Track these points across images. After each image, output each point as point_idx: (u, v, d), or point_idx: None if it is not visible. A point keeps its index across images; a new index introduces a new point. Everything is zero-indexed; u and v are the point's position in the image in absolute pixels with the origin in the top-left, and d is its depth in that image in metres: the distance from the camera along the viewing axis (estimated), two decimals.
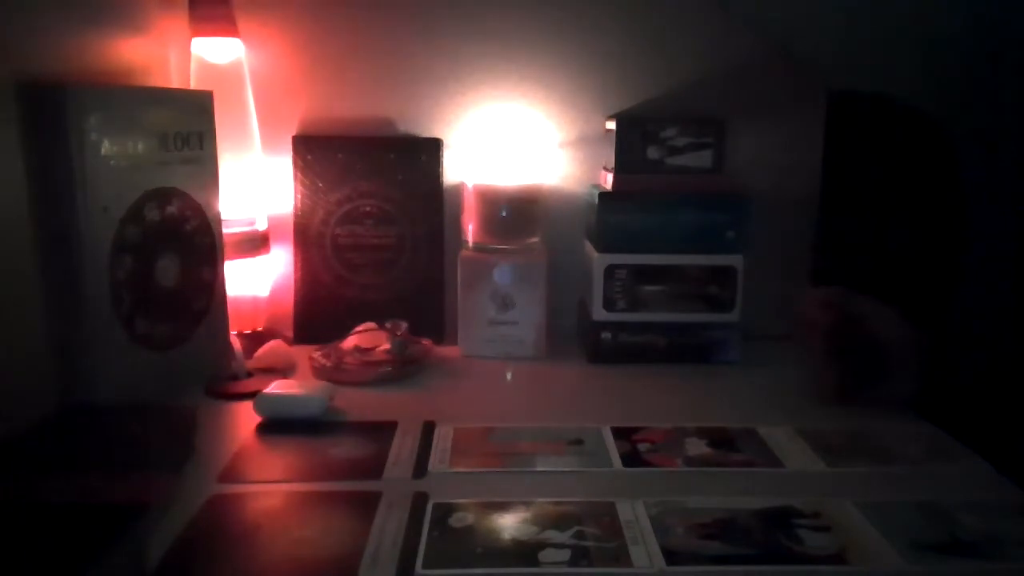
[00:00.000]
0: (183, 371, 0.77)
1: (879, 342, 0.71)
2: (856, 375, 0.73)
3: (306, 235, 0.93)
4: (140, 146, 0.72)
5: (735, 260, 0.86)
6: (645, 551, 0.50)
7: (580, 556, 0.50)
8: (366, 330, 0.85)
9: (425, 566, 0.49)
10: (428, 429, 0.69)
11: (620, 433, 0.68)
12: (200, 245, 0.80)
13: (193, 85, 0.86)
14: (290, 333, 0.94)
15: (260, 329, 0.92)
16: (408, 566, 0.48)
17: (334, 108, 0.94)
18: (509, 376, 0.83)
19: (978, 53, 0.73)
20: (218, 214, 0.82)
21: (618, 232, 0.85)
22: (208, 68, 0.86)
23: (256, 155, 0.90)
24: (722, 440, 0.67)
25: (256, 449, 0.66)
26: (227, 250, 0.84)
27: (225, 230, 0.83)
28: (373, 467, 0.62)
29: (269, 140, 0.92)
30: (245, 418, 0.71)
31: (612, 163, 0.87)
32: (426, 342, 0.87)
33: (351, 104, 0.94)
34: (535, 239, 0.90)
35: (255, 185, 0.90)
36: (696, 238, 0.85)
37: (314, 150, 0.93)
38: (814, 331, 0.74)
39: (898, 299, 0.77)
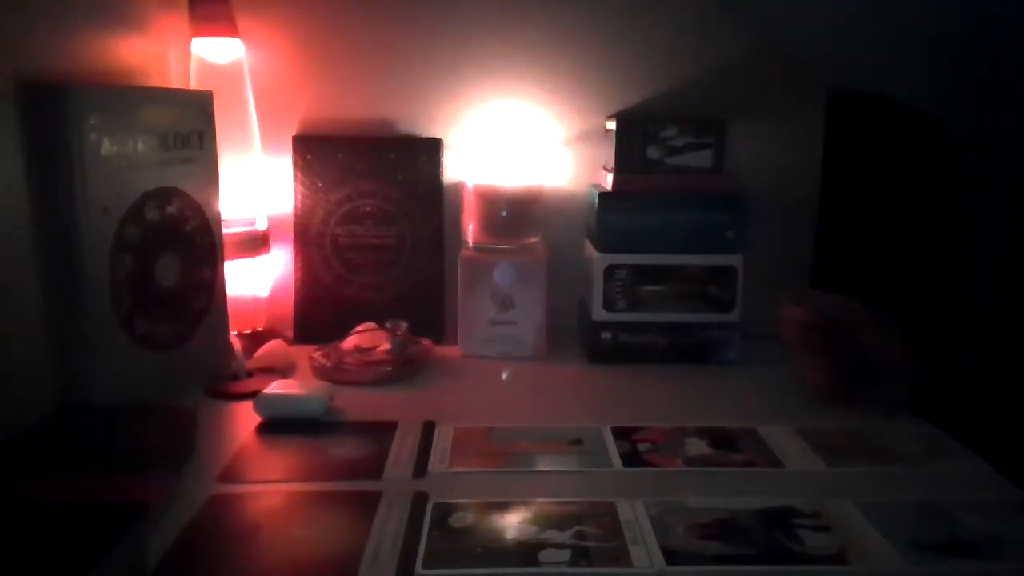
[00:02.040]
0: (183, 371, 0.77)
1: (863, 344, 0.72)
2: (845, 377, 0.73)
3: (306, 235, 0.93)
4: (140, 146, 0.72)
5: (735, 260, 0.86)
6: (645, 551, 0.50)
7: (580, 556, 0.50)
8: (366, 330, 0.85)
9: (425, 566, 0.49)
10: (428, 429, 0.69)
11: (620, 433, 0.68)
12: (200, 245, 0.80)
13: (193, 85, 0.86)
14: (290, 333, 0.94)
15: (260, 329, 0.92)
16: (408, 566, 0.48)
17: (334, 108, 0.94)
18: (505, 376, 0.83)
19: (978, 53, 0.72)
20: (218, 214, 0.82)
21: (618, 232, 0.85)
22: (208, 68, 0.86)
23: (256, 155, 0.90)
24: (722, 440, 0.67)
25: (256, 449, 0.66)
26: (227, 250, 0.84)
27: (225, 230, 0.83)
28: (373, 467, 0.62)
29: (269, 140, 0.92)
30: (245, 418, 0.71)
31: (612, 163, 0.87)
32: (426, 342, 0.87)
33: (351, 104, 0.94)
34: (535, 239, 0.90)
35: (255, 185, 0.90)
36: (696, 238, 0.85)
37: (314, 150, 0.93)
38: (797, 336, 0.75)
39: (898, 299, 0.77)
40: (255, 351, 0.84)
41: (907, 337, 0.72)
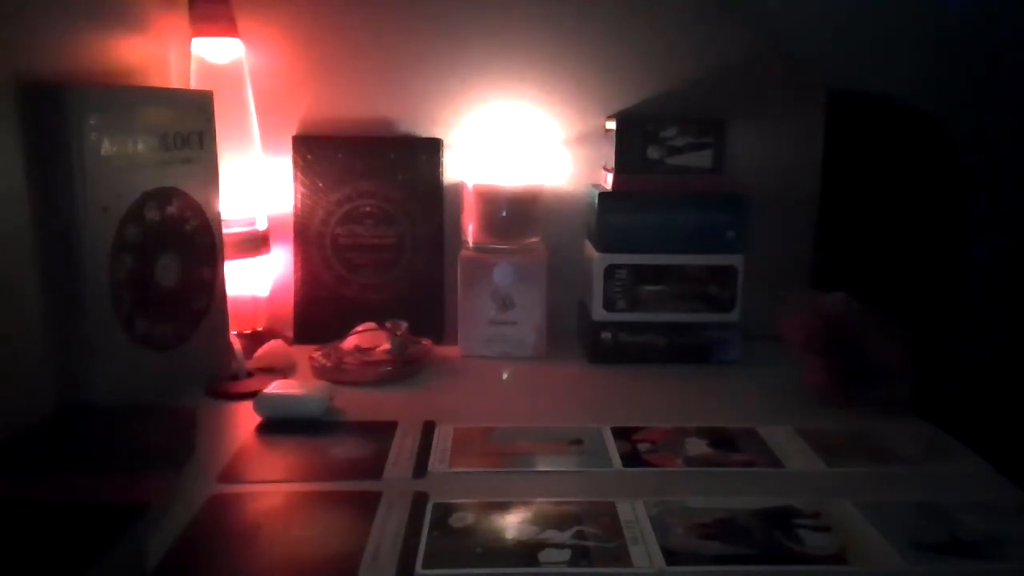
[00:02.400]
0: (183, 371, 0.77)
1: (863, 344, 0.72)
2: (845, 377, 0.73)
3: (306, 235, 0.93)
4: (140, 146, 0.72)
5: (735, 260, 0.86)
6: (645, 551, 0.50)
7: (580, 556, 0.50)
8: (366, 330, 0.85)
9: (425, 566, 0.49)
10: (428, 429, 0.69)
11: (620, 433, 0.68)
12: (200, 245, 0.80)
13: (193, 85, 0.86)
14: (290, 333, 0.94)
15: (260, 329, 0.92)
16: (408, 566, 0.48)
17: (334, 108, 0.94)
18: (505, 376, 0.83)
19: (978, 53, 0.72)
20: (218, 214, 0.82)
21: (618, 232, 0.85)
22: (208, 68, 0.86)
23: (256, 155, 0.90)
24: (722, 440, 0.67)
25: (256, 449, 0.66)
26: (227, 250, 0.84)
27: (225, 230, 0.83)
28: (373, 467, 0.62)
29: (269, 140, 0.92)
30: (245, 418, 0.71)
31: (612, 163, 0.87)
32: (426, 342, 0.87)
33: (351, 104, 0.94)
34: (535, 239, 0.90)
35: (255, 185, 0.90)
36: (696, 238, 0.85)
37: (314, 150, 0.93)
38: (797, 336, 0.75)
39: (898, 299, 0.77)
40: (255, 351, 0.84)
41: (907, 337, 0.72)
